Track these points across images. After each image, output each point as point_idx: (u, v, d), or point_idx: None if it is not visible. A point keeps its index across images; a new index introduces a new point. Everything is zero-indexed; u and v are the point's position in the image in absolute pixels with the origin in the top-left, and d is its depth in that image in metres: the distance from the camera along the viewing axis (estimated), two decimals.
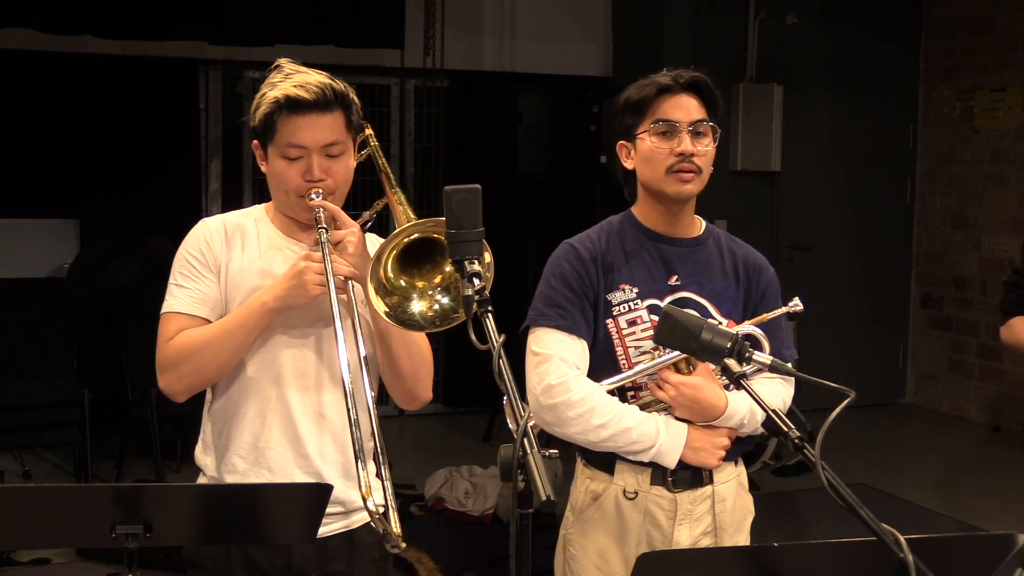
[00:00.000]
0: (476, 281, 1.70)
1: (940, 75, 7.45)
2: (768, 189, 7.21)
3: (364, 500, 1.84)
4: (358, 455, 1.89)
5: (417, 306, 1.97)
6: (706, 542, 2.33)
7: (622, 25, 7.10)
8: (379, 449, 2.00)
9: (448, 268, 1.96)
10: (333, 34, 6.26)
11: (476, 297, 1.69)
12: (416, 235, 1.93)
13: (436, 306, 1.97)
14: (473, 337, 1.67)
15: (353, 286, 2.09)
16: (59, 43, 5.90)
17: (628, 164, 2.36)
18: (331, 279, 2.00)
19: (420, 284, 1.98)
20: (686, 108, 2.28)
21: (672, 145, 2.27)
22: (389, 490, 1.93)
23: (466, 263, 1.72)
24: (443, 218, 1.84)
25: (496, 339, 1.63)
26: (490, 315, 1.68)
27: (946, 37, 7.38)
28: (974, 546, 1.76)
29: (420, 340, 2.20)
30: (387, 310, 1.94)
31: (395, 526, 1.85)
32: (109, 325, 5.55)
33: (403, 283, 1.96)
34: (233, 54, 6.28)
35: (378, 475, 2.02)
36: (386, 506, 1.89)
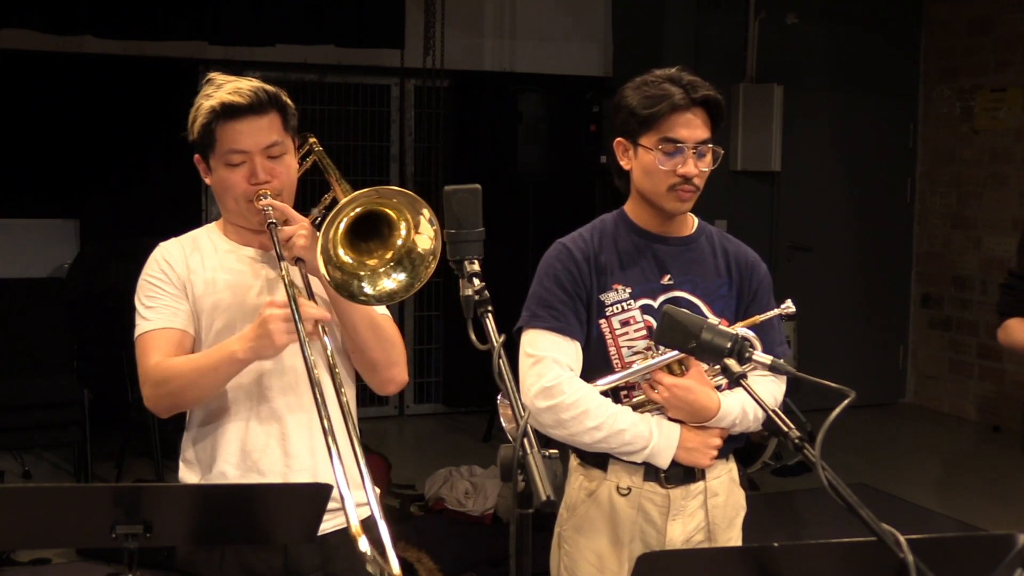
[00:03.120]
0: (476, 281, 1.70)
1: (940, 75, 7.44)
2: (768, 189, 7.21)
3: (355, 540, 1.78)
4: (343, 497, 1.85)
5: (369, 286, 1.95)
6: (699, 538, 2.35)
7: (622, 25, 7.10)
8: (358, 455, 1.95)
9: (399, 241, 1.95)
10: (333, 34, 6.26)
11: (476, 297, 1.69)
12: (359, 209, 1.91)
13: (392, 284, 1.96)
14: (473, 337, 1.67)
15: (305, 271, 2.09)
16: (59, 43, 5.90)
17: (625, 164, 2.36)
18: (299, 324, 1.97)
19: (372, 262, 1.96)
20: (693, 126, 2.27)
21: (675, 164, 2.26)
22: (376, 506, 1.88)
23: (466, 263, 1.72)
24: (385, 187, 1.87)
25: (496, 339, 1.63)
26: (490, 315, 1.68)
27: (946, 37, 7.38)
28: (974, 546, 1.77)
29: (387, 325, 2.19)
30: (329, 280, 1.92)
31: (393, 566, 1.77)
32: (109, 325, 5.54)
33: (350, 261, 1.95)
34: (233, 54, 6.28)
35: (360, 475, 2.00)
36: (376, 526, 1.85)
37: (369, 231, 1.96)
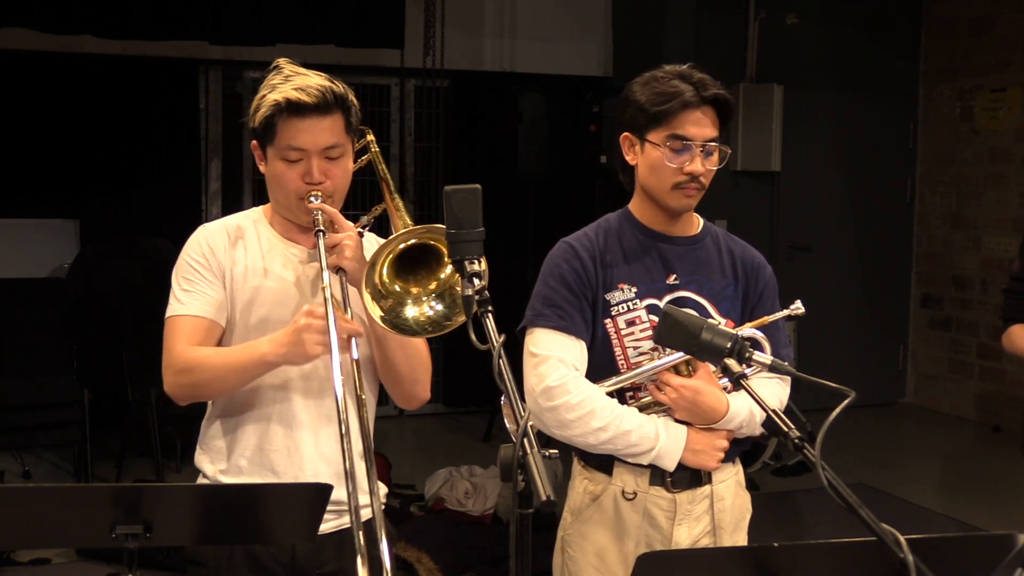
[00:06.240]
0: (476, 281, 1.70)
1: (940, 75, 7.44)
2: (768, 189, 7.21)
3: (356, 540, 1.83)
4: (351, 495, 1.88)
5: (411, 311, 1.97)
6: (706, 542, 2.33)
7: (622, 25, 7.10)
8: (370, 456, 2.00)
9: (443, 275, 1.97)
10: (333, 34, 6.26)
11: (476, 297, 1.69)
12: (412, 241, 1.94)
13: (430, 312, 1.98)
14: (473, 337, 1.67)
15: (345, 281, 2.09)
16: (59, 43, 5.90)
17: (630, 159, 2.34)
18: (334, 337, 1.96)
19: (415, 290, 1.98)
20: (702, 125, 2.25)
21: (682, 162, 2.25)
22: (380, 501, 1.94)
23: (466, 263, 1.72)
24: (439, 225, 1.85)
25: (496, 339, 1.63)
26: (490, 315, 1.68)
27: (946, 37, 7.38)
28: (974, 546, 1.77)
29: (417, 342, 2.20)
30: (382, 314, 1.94)
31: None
32: (109, 325, 5.55)
33: (398, 288, 1.97)
34: (233, 54, 6.28)
35: (367, 476, 2.01)
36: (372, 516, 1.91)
37: (416, 260, 1.97)
